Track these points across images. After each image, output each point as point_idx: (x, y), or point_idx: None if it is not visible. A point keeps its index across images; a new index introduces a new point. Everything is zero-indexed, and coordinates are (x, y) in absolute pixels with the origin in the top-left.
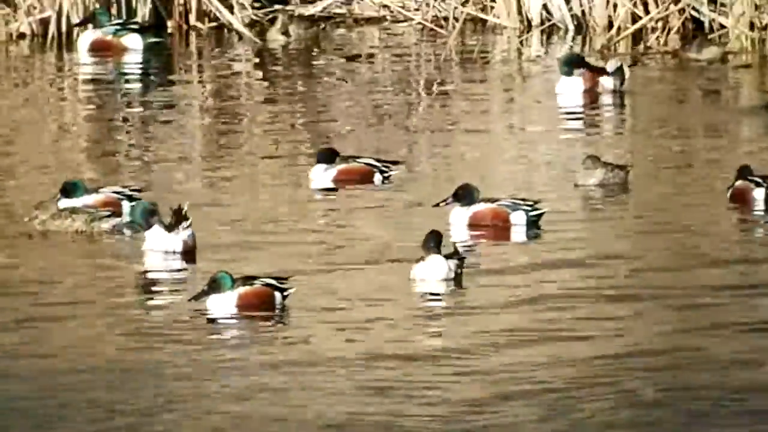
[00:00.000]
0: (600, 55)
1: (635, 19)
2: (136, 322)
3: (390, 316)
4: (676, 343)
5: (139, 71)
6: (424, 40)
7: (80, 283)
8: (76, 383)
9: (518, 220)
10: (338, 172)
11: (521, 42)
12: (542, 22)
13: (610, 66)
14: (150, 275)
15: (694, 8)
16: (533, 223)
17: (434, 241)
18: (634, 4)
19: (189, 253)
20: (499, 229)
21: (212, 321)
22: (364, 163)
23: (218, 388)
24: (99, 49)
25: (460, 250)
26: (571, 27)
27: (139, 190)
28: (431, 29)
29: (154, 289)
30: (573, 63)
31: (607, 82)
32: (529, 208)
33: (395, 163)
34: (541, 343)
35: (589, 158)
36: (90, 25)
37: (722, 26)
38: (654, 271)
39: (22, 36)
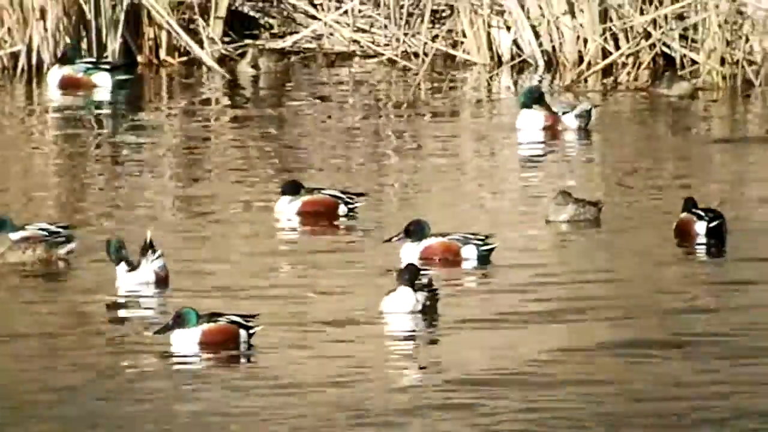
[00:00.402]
0: (569, 92)
1: (605, 54)
2: (101, 355)
3: (358, 347)
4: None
5: (109, 108)
6: (393, 76)
7: (40, 315)
8: (30, 414)
9: (469, 254)
10: (303, 204)
11: (491, 78)
12: (512, 58)
13: (578, 109)
14: (117, 308)
15: (664, 44)
16: (484, 257)
17: (408, 273)
18: (605, 40)
19: (161, 283)
20: (449, 263)
21: (175, 355)
22: (329, 195)
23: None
24: (68, 86)
25: (434, 282)
26: (542, 63)
27: (66, 227)
28: (401, 65)
29: (120, 321)
30: (533, 97)
31: (570, 121)
32: (480, 242)
33: (360, 195)
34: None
35: (561, 194)
36: (58, 62)
37: (693, 62)
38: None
39: None
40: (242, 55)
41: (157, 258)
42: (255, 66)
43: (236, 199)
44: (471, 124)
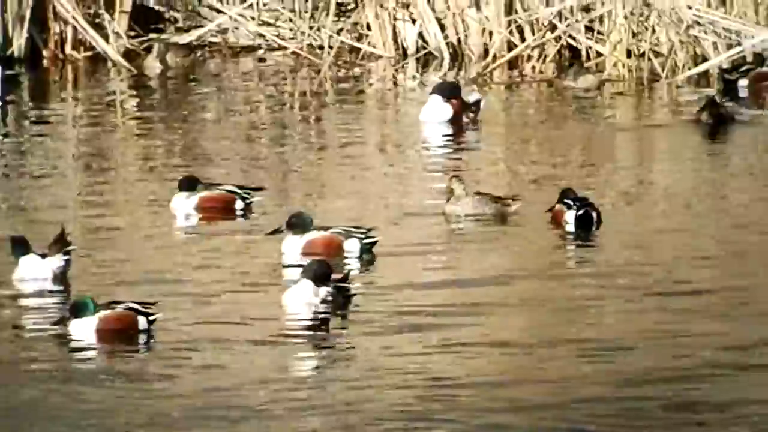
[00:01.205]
0: (475, 84)
1: (511, 47)
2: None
3: (258, 340)
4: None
5: (6, 101)
6: (299, 70)
7: None
8: None
9: (352, 247)
10: (200, 200)
11: (396, 70)
12: (417, 50)
13: (471, 97)
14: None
15: (570, 36)
16: (367, 251)
17: (312, 268)
18: (510, 32)
19: (60, 279)
20: (332, 257)
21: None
22: (226, 191)
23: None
24: None
25: (348, 278)
26: (447, 55)
27: None
28: (306, 58)
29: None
30: (447, 91)
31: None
32: (362, 236)
33: (257, 189)
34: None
35: (456, 184)
36: None
37: (599, 54)
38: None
39: None
40: (148, 50)
41: (67, 252)
42: (162, 61)
43: (137, 195)
44: (376, 116)
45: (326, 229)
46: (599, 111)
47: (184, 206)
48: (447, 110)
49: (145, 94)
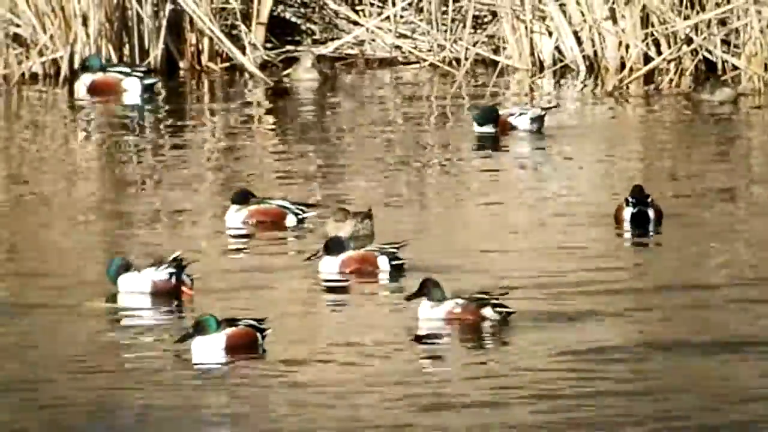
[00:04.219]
0: (611, 97)
1: (647, 60)
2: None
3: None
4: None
5: (147, 113)
6: (434, 82)
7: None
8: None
9: (383, 265)
10: (249, 213)
11: (533, 83)
12: (554, 63)
13: (531, 113)
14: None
15: (706, 49)
16: (397, 268)
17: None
18: (647, 45)
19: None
20: (367, 274)
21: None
22: (277, 205)
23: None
24: (98, 90)
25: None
26: (583, 68)
27: None
28: (442, 70)
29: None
30: (487, 117)
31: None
32: (393, 252)
33: (310, 205)
34: None
35: (340, 211)
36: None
37: (735, 67)
38: None
39: (34, 76)
40: (285, 62)
41: (166, 268)
42: (321, 72)
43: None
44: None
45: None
46: (734, 125)
47: (235, 219)
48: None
49: (286, 106)
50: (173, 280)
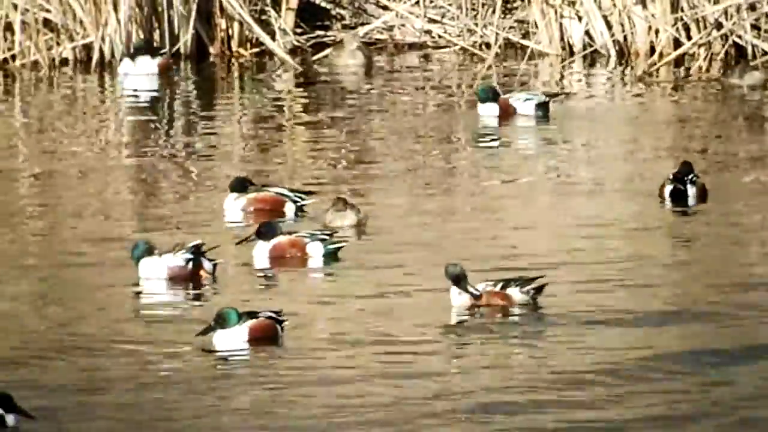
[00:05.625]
0: (641, 82)
1: (677, 44)
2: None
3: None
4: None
5: (181, 98)
6: (464, 67)
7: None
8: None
9: (315, 251)
10: (247, 202)
11: (563, 68)
12: (584, 48)
13: (539, 98)
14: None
15: (736, 34)
16: (330, 254)
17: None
18: (677, 30)
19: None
20: (297, 260)
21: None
22: (275, 193)
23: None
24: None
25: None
26: (613, 53)
27: None
28: (473, 55)
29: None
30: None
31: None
32: (326, 239)
33: (308, 193)
34: None
35: (338, 200)
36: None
37: (765, 52)
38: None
39: (65, 61)
40: (315, 47)
41: (184, 254)
42: (362, 55)
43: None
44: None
45: (292, 233)
46: (764, 109)
47: (233, 207)
48: (493, 110)
49: (316, 91)
50: (189, 266)
